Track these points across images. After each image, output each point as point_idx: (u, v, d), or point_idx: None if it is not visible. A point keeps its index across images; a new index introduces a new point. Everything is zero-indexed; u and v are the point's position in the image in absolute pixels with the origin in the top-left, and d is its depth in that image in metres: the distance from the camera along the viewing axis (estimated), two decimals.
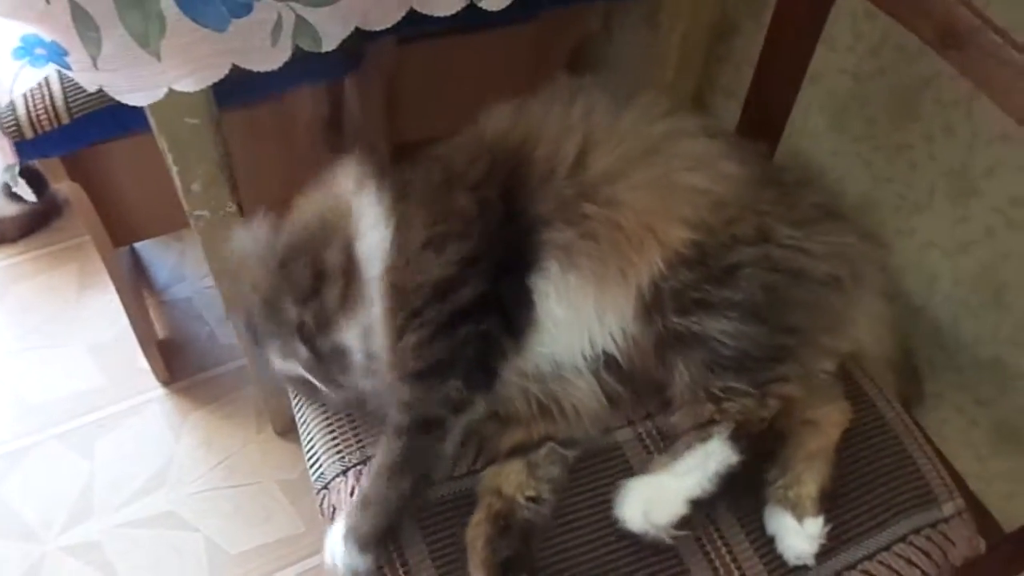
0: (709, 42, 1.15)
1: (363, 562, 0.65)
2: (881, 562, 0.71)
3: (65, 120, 0.90)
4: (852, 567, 0.70)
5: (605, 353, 0.73)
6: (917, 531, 0.73)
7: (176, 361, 1.42)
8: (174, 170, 0.84)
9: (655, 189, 0.72)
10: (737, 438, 0.67)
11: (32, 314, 1.48)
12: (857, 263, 0.74)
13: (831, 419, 0.74)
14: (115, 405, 1.37)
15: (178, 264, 1.55)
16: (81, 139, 0.93)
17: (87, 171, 1.07)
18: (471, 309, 0.68)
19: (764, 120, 0.95)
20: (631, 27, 1.31)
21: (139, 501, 1.27)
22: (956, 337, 0.98)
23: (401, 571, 0.67)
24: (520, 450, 0.71)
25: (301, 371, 0.71)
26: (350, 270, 0.71)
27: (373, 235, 0.73)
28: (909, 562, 0.72)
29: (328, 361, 0.70)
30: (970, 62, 0.70)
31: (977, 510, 0.85)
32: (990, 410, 0.97)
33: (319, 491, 0.73)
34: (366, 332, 0.70)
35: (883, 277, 0.78)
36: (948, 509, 0.76)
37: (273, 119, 1.23)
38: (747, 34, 1.14)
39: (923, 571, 0.72)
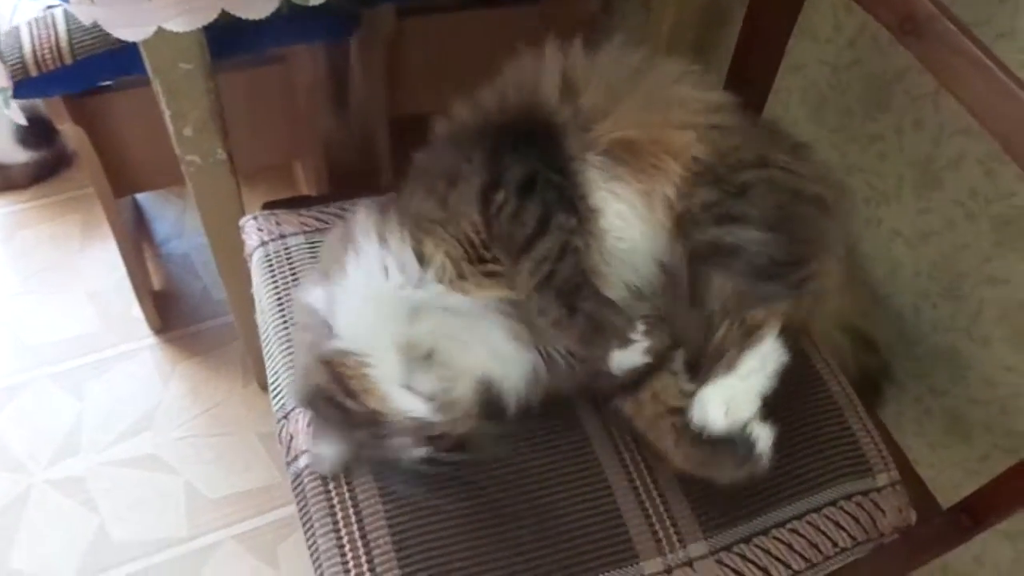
0: (700, 28, 1.18)
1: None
2: (810, 522, 0.74)
3: (68, 60, 0.95)
4: (782, 524, 0.74)
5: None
6: (848, 497, 0.76)
7: (170, 312, 1.47)
8: (167, 113, 0.88)
9: (651, 104, 0.75)
10: (785, 337, 0.71)
11: (36, 259, 1.53)
12: (834, 189, 0.79)
13: None
14: (108, 350, 1.42)
15: (179, 220, 1.59)
16: (84, 80, 0.98)
17: (91, 118, 1.12)
18: (529, 178, 0.71)
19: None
20: (629, 11, 1.35)
21: (125, 442, 1.32)
22: (916, 326, 1.00)
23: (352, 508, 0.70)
24: (657, 366, 0.73)
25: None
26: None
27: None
28: (837, 525, 0.75)
29: (393, 441, 0.68)
30: (928, 51, 0.73)
31: (923, 494, 0.87)
32: (943, 400, 1.00)
33: (279, 420, 0.77)
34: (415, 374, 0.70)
35: (847, 219, 0.82)
36: (882, 480, 0.78)
37: (275, 81, 1.27)
38: (735, 22, 1.16)
39: (850, 534, 0.75)
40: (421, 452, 0.66)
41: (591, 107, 0.75)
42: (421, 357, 0.69)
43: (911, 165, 0.95)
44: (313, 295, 0.72)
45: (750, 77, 0.96)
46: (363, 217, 0.73)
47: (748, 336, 0.71)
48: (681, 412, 0.71)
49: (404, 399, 0.66)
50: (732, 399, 0.69)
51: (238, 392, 1.39)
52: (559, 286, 0.70)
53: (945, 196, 0.92)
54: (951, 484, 1.02)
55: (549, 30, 1.36)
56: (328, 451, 0.70)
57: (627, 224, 0.74)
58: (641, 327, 0.71)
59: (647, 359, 0.71)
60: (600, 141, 0.74)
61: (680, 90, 0.77)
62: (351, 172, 1.56)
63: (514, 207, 0.70)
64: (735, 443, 0.68)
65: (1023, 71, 0.79)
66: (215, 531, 1.25)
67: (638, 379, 0.72)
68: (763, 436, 0.68)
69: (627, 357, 0.71)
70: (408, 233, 0.70)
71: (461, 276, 0.70)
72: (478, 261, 0.71)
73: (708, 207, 0.73)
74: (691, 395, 0.71)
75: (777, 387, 0.70)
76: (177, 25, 0.70)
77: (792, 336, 0.72)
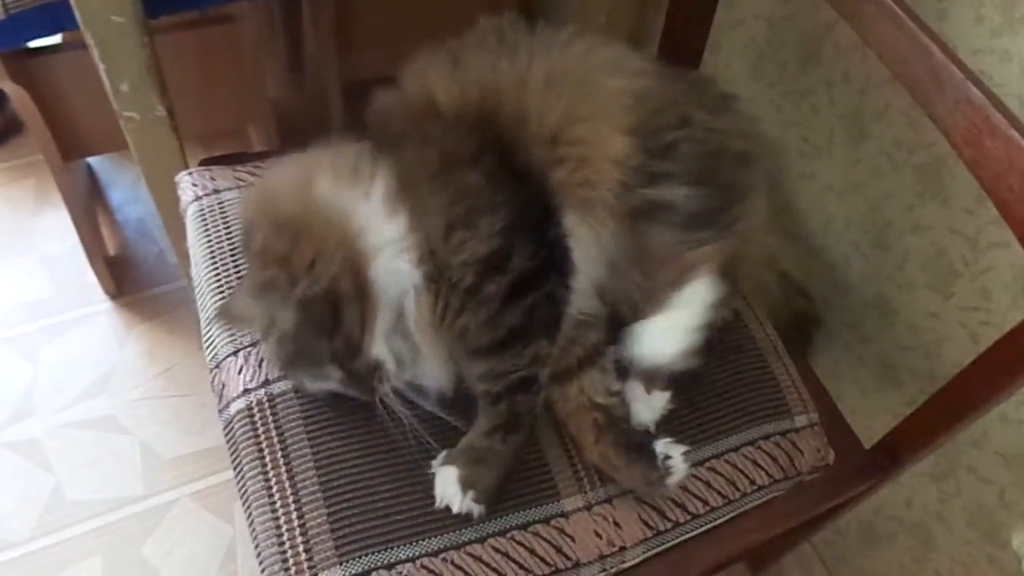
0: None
1: (479, 510, 0.69)
2: (728, 461, 0.77)
3: (1, 16, 0.94)
4: (700, 464, 0.76)
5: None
6: (767, 437, 0.79)
7: (125, 277, 1.47)
8: (101, 68, 0.88)
9: (583, 94, 0.75)
10: (719, 274, 0.73)
11: None
12: (756, 143, 0.80)
13: None
14: (62, 315, 1.42)
15: (134, 185, 1.59)
16: (17, 35, 0.97)
17: (35, 78, 1.11)
18: (528, 275, 0.69)
19: (678, 64, 1.00)
20: None
21: (80, 404, 1.33)
22: (846, 277, 1.03)
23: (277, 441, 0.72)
24: (587, 362, 0.75)
25: (339, 388, 0.72)
26: (363, 289, 0.68)
27: (385, 231, 0.70)
28: (755, 463, 0.78)
29: (364, 375, 0.70)
30: (846, 2, 0.75)
31: (846, 435, 0.90)
32: (873, 347, 1.03)
33: (211, 370, 0.78)
34: (394, 336, 0.71)
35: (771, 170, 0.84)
36: (800, 421, 0.81)
37: (224, 41, 1.27)
38: None
39: (768, 473, 0.78)
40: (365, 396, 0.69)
41: (552, 118, 0.73)
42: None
43: (841, 118, 0.97)
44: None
45: (685, 35, 0.98)
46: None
47: (683, 276, 0.74)
48: (604, 410, 0.73)
49: (381, 347, 0.69)
50: (665, 333, 0.72)
51: (195, 354, 1.40)
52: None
53: (872, 147, 0.94)
54: (884, 429, 1.05)
55: None
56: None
57: (589, 245, 0.74)
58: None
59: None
60: (559, 157, 0.73)
61: (618, 83, 0.76)
62: (304, 138, 1.56)
63: (491, 312, 0.68)
64: (652, 458, 0.71)
65: (940, 21, 0.81)
66: (171, 490, 1.26)
67: (567, 372, 0.75)
68: (679, 466, 0.71)
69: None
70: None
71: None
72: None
73: (638, 170, 0.74)
74: (617, 394, 0.74)
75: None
76: None
77: (728, 274, 0.75)
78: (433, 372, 0.72)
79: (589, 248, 0.74)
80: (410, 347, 0.71)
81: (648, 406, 0.73)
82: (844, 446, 0.87)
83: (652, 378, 0.73)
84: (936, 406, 0.79)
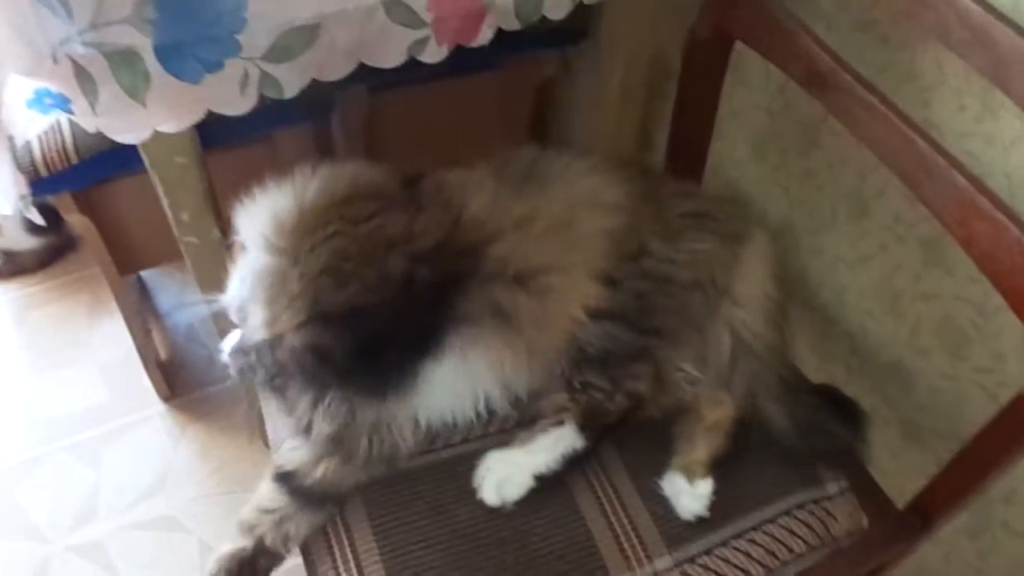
0: (652, 83, 1.28)
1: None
2: (766, 532, 0.82)
3: (74, 160, 1.05)
4: (739, 536, 0.81)
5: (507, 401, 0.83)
6: (800, 506, 0.84)
7: (176, 380, 1.55)
8: (165, 202, 0.98)
9: (570, 262, 0.80)
10: (584, 426, 0.79)
11: (47, 338, 1.62)
12: (712, 267, 0.84)
13: (727, 398, 0.85)
14: (120, 419, 1.50)
15: (181, 292, 1.68)
16: (88, 177, 1.08)
17: (95, 206, 1.21)
18: (326, 355, 0.74)
19: (686, 156, 1.08)
20: (584, 72, 1.45)
21: (140, 506, 1.39)
22: (865, 343, 1.08)
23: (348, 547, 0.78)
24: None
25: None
26: None
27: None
28: (791, 532, 0.82)
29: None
30: (832, 100, 0.83)
31: (879, 499, 0.94)
32: (897, 410, 1.07)
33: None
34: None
35: (725, 275, 0.85)
36: (831, 488, 0.86)
37: (265, 158, 1.37)
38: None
39: (804, 540, 0.83)
40: None
41: (529, 269, 0.78)
42: None
43: (844, 197, 1.04)
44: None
45: (689, 127, 1.06)
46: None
47: (554, 415, 0.80)
48: None
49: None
50: (506, 478, 0.78)
51: (245, 450, 1.47)
52: None
53: (875, 222, 1.00)
54: (914, 489, 1.09)
55: (512, 95, 1.47)
56: None
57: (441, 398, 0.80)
58: None
59: None
60: (518, 305, 0.77)
61: (596, 224, 0.81)
62: None
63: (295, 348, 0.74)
64: None
65: (926, 109, 0.89)
66: None
67: None
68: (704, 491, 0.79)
69: None
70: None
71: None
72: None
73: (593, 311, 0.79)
74: None
75: None
76: (170, 128, 0.80)
77: (598, 426, 0.80)
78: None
79: (482, 368, 0.78)
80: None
81: (694, 496, 0.78)
82: (877, 509, 0.91)
83: (691, 468, 0.79)
84: (961, 466, 0.83)
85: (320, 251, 0.75)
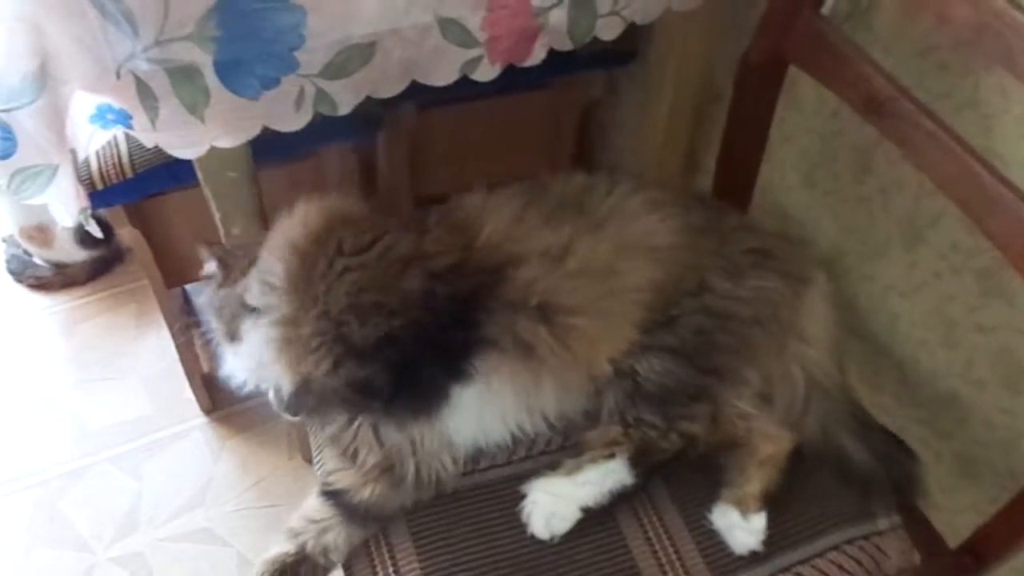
0: (700, 106, 1.27)
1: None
2: (815, 566, 0.79)
3: (129, 174, 1.07)
4: (787, 569, 0.79)
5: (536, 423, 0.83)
6: (850, 541, 0.81)
7: (218, 392, 1.56)
8: (217, 216, 0.99)
9: (606, 311, 0.80)
10: (636, 463, 0.77)
11: (94, 349, 1.64)
12: (776, 304, 0.83)
13: (785, 432, 0.84)
14: (162, 431, 1.52)
15: None
16: (142, 190, 1.10)
17: (146, 219, 1.23)
18: (377, 385, 0.75)
19: (735, 180, 1.07)
20: (630, 94, 1.45)
21: (180, 518, 1.40)
22: (917, 373, 1.06)
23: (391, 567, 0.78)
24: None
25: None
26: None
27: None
28: (841, 568, 0.80)
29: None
30: (890, 127, 0.81)
31: (930, 536, 0.92)
32: (950, 443, 1.04)
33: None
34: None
35: (792, 315, 0.85)
36: (883, 524, 0.83)
37: (311, 174, 1.39)
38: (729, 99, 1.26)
39: None
40: None
41: (559, 305, 0.78)
42: None
43: (898, 224, 1.02)
44: None
45: (740, 151, 1.05)
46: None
47: (605, 447, 0.78)
48: None
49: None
50: (554, 513, 0.77)
51: (284, 465, 1.47)
52: None
53: (930, 251, 0.98)
54: (966, 526, 1.05)
55: (557, 115, 1.47)
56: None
57: (470, 424, 0.80)
58: None
59: None
60: (541, 339, 0.77)
61: (638, 278, 0.81)
62: None
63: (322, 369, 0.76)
64: None
65: (986, 136, 0.87)
66: None
67: None
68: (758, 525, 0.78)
69: None
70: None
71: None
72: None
73: (628, 350, 0.79)
74: None
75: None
76: (226, 143, 0.81)
77: (649, 463, 0.79)
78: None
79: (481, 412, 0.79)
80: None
81: (748, 531, 0.77)
82: (929, 547, 0.88)
83: (744, 502, 0.77)
84: (1020, 507, 0.80)
85: (336, 290, 0.76)
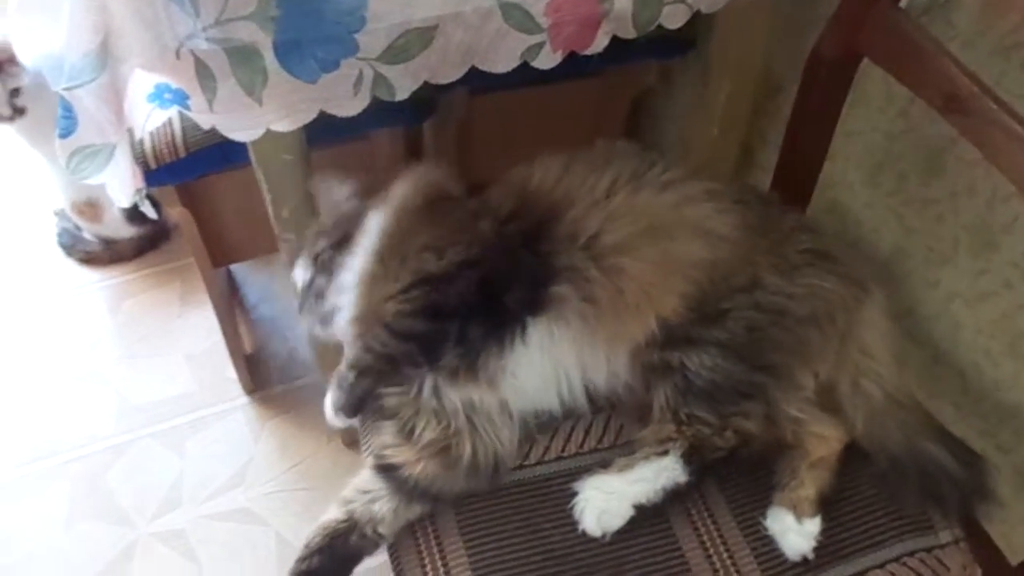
0: (757, 99, 1.24)
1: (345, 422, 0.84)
2: None
3: (182, 154, 1.06)
4: None
5: (587, 390, 0.82)
6: (911, 553, 0.79)
7: (260, 373, 1.57)
8: (268, 198, 0.98)
9: (658, 264, 0.79)
10: (690, 460, 0.76)
11: (139, 326, 1.66)
12: (832, 304, 0.80)
13: (835, 434, 0.81)
14: (205, 409, 1.53)
15: (267, 286, 1.71)
16: (194, 170, 1.09)
17: (195, 199, 1.23)
18: (455, 307, 0.77)
19: (796, 176, 1.03)
20: (685, 84, 1.41)
21: (220, 496, 1.41)
22: (979, 384, 1.02)
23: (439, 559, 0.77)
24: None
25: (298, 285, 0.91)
26: (348, 231, 0.87)
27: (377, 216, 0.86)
28: None
29: (311, 291, 0.89)
30: (971, 126, 0.78)
31: (991, 551, 0.89)
32: (1011, 456, 1.00)
33: None
34: (339, 287, 0.85)
35: (849, 319, 0.82)
36: (944, 537, 0.81)
37: (358, 157, 1.38)
38: (791, 92, 1.22)
39: None
40: None
41: (608, 245, 0.79)
42: None
43: (966, 228, 0.98)
44: None
45: (803, 147, 1.01)
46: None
47: (658, 444, 0.77)
48: None
49: None
50: (606, 510, 0.76)
51: (324, 448, 1.47)
52: None
53: (1002, 258, 0.94)
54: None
55: (608, 103, 1.44)
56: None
57: (531, 372, 0.80)
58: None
59: None
60: (592, 277, 0.78)
61: (692, 251, 0.80)
62: None
63: (403, 311, 0.78)
64: None
65: None
66: None
67: None
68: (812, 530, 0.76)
69: None
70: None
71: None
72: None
73: (672, 331, 0.78)
74: None
75: None
76: (283, 126, 0.80)
77: (703, 460, 0.77)
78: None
79: (541, 357, 0.79)
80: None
81: (802, 535, 0.75)
82: (988, 562, 0.85)
83: (799, 505, 0.75)
84: None
85: (414, 241, 0.81)
